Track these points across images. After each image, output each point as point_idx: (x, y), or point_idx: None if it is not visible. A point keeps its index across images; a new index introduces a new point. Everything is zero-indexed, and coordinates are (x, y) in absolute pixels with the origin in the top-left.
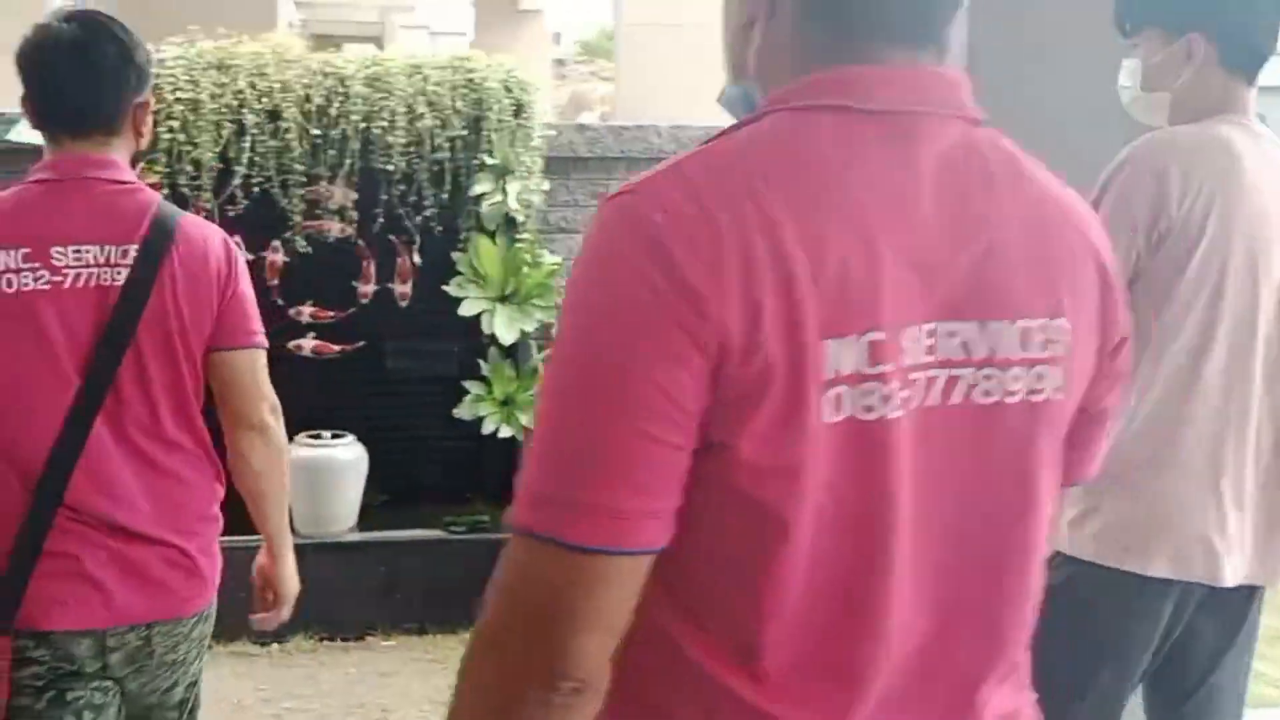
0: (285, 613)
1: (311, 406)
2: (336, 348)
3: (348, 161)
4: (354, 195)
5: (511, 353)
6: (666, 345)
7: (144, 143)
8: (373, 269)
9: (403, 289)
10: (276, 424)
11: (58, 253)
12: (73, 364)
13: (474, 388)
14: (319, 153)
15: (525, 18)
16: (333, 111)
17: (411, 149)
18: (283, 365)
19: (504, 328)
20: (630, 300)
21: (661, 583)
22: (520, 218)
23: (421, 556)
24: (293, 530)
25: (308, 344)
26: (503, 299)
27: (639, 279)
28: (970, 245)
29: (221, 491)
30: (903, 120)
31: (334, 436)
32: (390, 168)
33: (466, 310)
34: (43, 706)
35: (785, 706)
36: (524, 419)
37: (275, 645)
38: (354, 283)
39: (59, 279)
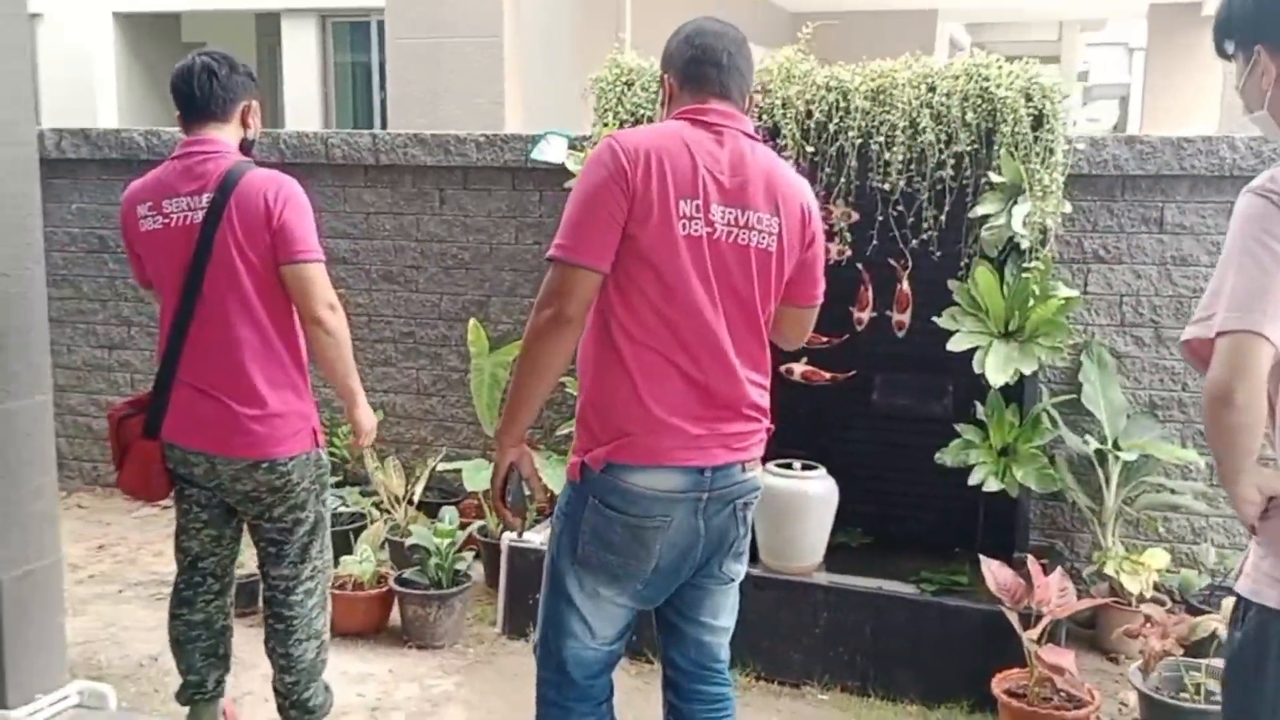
0: (364, 441)
1: (787, 434)
2: (827, 375)
3: (843, 180)
4: (854, 215)
5: (1017, 396)
6: (611, 189)
7: (250, 134)
8: (870, 294)
9: (900, 317)
10: (331, 317)
11: (165, 203)
12: (178, 276)
13: (966, 432)
14: (816, 171)
15: (1208, 24)
16: (831, 128)
17: (911, 166)
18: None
19: (996, 368)
20: (600, 169)
21: (619, 297)
22: (1027, 243)
23: (878, 610)
24: (756, 560)
25: (798, 368)
26: (1004, 335)
27: (604, 164)
28: (739, 177)
29: (286, 373)
30: (715, 128)
31: (805, 467)
32: (888, 186)
33: (956, 345)
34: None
35: (676, 352)
36: (1020, 473)
37: None
38: (850, 307)
39: (167, 219)
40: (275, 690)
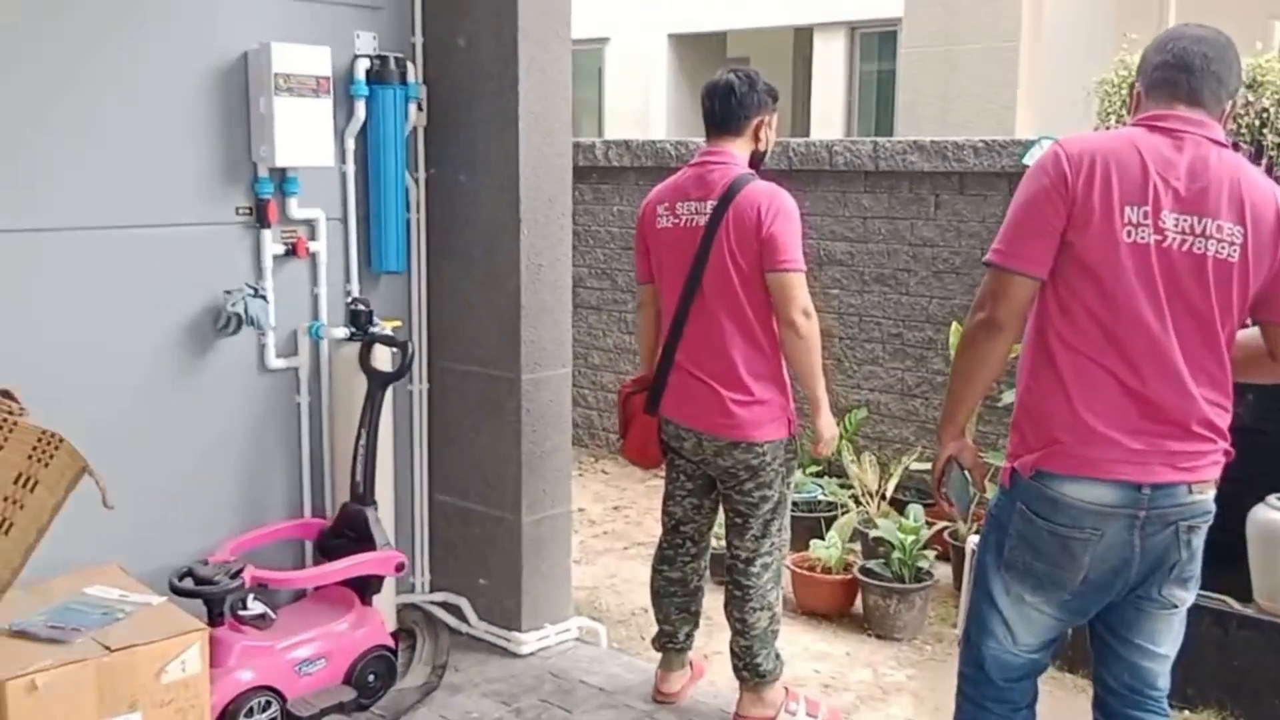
0: (823, 449)
1: None
2: None
3: None
4: None
5: None
6: (1050, 196)
7: (761, 146)
8: None
9: None
10: (804, 323)
11: (679, 205)
12: (681, 273)
13: None
14: None
15: None
16: None
17: None
18: None
19: None
20: (1041, 176)
21: (1056, 304)
22: None
23: None
24: (1250, 601)
25: None
26: None
27: (1045, 170)
28: (1198, 184)
29: (768, 365)
30: (1175, 134)
31: None
32: None
33: None
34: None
35: (1114, 362)
36: None
37: (1186, 711)
38: None
39: (677, 220)
40: (731, 651)
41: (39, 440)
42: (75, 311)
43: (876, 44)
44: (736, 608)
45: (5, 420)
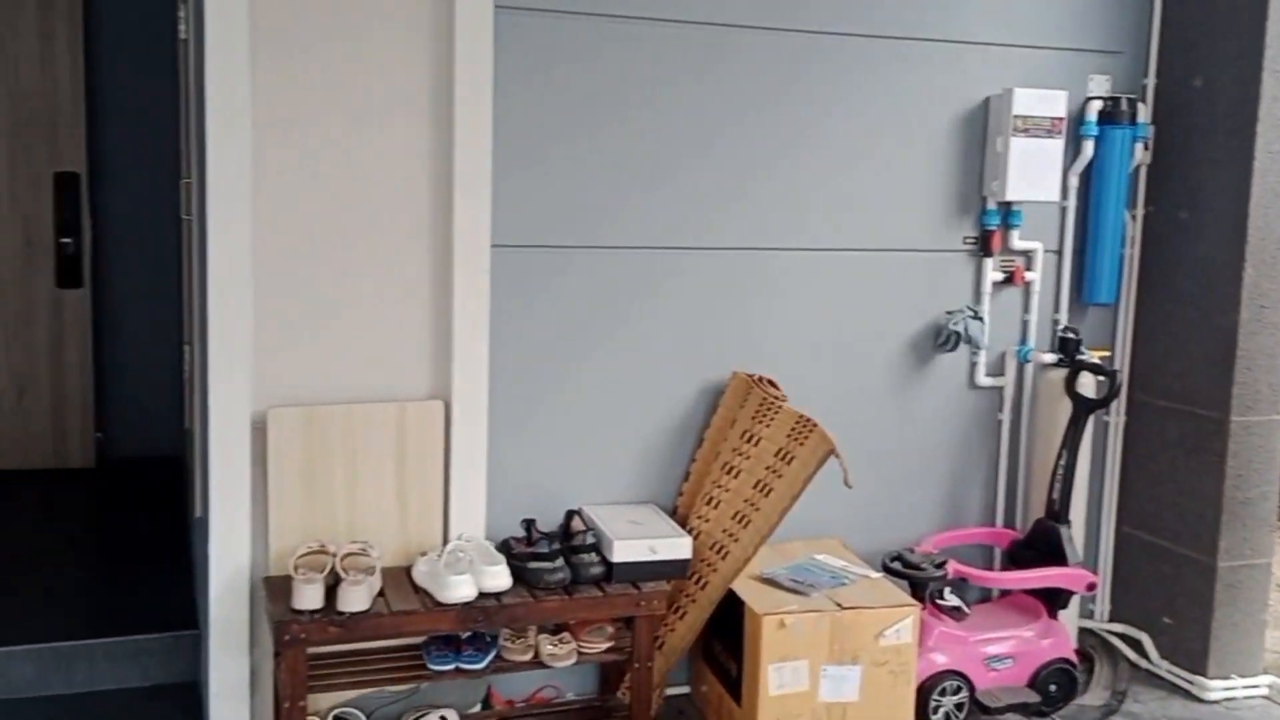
0: None
1: None
2: None
3: None
4: None
5: None
6: None
7: None
8: None
9: None
10: None
11: None
12: None
13: None
14: None
15: None
16: None
17: None
18: None
19: None
20: None
21: None
22: None
23: None
24: None
25: None
26: None
27: None
28: None
29: None
30: None
31: None
32: None
33: None
34: None
35: None
36: None
37: None
38: None
39: None
40: None
41: (797, 423)
42: (826, 318)
43: None
44: None
45: (773, 404)
